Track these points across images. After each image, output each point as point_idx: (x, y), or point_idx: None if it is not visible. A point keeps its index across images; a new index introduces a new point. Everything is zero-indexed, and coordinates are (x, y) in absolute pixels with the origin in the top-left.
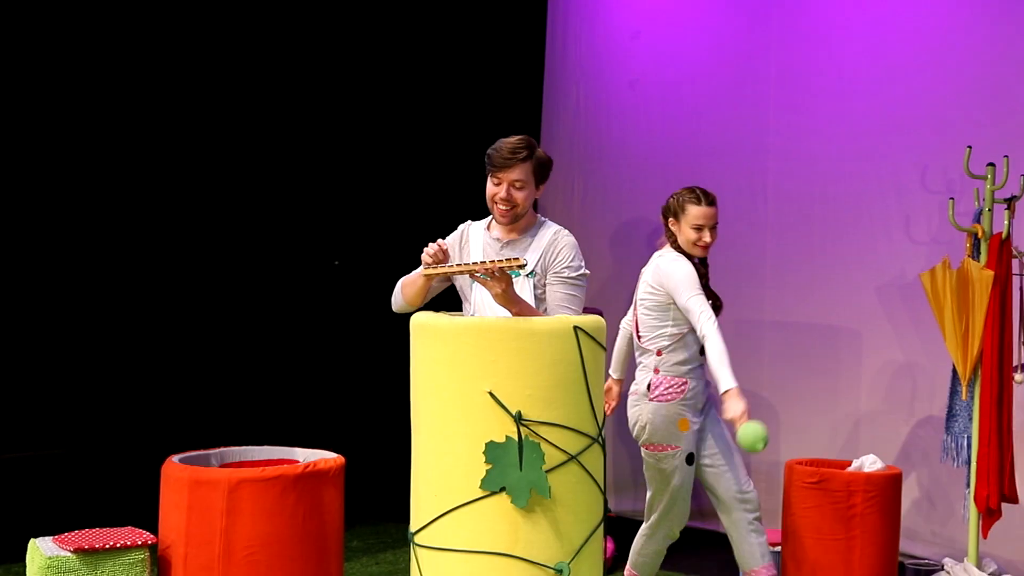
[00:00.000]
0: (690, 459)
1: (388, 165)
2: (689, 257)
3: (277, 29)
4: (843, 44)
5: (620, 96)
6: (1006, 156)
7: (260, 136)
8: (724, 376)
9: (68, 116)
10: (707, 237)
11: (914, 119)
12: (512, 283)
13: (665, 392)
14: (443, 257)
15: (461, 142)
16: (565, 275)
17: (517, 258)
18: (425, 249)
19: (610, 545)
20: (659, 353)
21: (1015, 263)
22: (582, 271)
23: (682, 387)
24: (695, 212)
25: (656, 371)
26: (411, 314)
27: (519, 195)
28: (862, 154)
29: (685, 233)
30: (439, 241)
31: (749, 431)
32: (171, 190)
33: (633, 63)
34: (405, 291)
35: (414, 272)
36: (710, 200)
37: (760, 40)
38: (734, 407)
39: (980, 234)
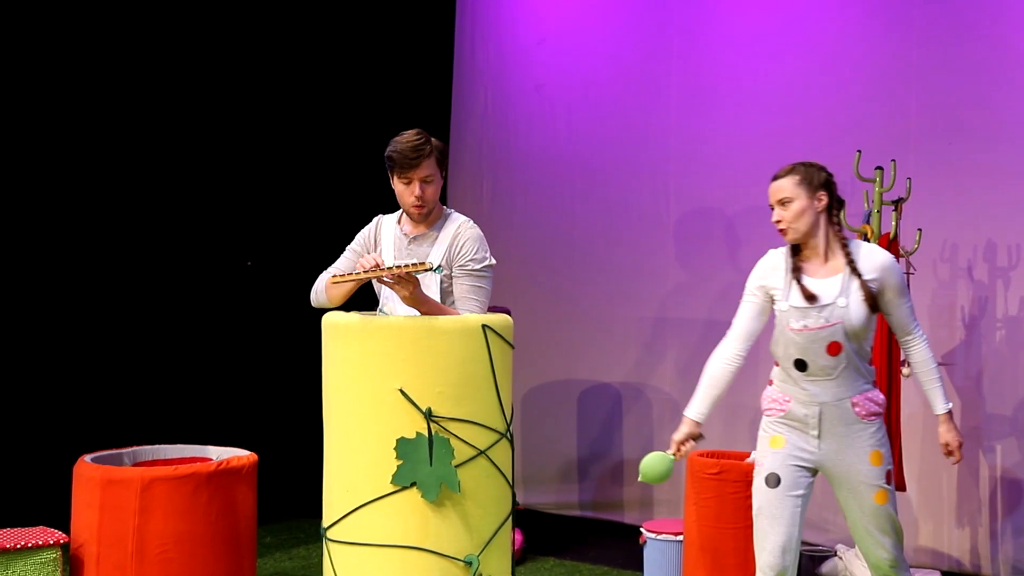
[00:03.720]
0: (772, 481)
1: (299, 168)
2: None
3: (191, 31)
4: (742, 53)
5: (526, 100)
6: (893, 160)
7: (174, 138)
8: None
9: None
10: (774, 215)
11: (808, 124)
12: (419, 284)
13: (768, 406)
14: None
15: (371, 145)
16: (470, 268)
17: (423, 263)
18: (362, 261)
19: (519, 537)
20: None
21: (902, 262)
22: (487, 262)
23: (785, 404)
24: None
25: (770, 383)
26: (323, 313)
27: (430, 189)
28: (760, 158)
29: None
30: (374, 256)
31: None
32: (85, 191)
33: (539, 68)
34: (330, 292)
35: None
36: (776, 175)
37: (661, 47)
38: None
39: (869, 234)
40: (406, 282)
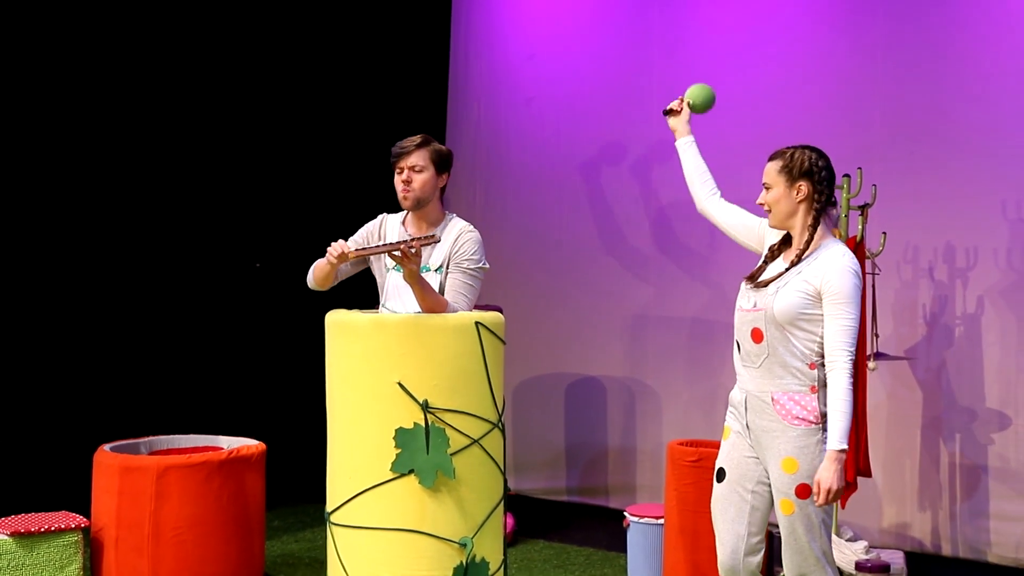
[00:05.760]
0: (719, 475)
1: (304, 177)
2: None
3: (205, 38)
4: (717, 68)
5: (517, 112)
6: (860, 168)
7: (194, 151)
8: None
9: None
10: (760, 197)
11: (779, 134)
12: (420, 264)
13: None
14: (344, 258)
15: (374, 155)
16: (464, 266)
17: (432, 235)
18: (332, 246)
19: (510, 521)
20: None
21: (868, 263)
22: (480, 265)
23: (734, 388)
24: None
25: None
26: (326, 311)
27: (418, 177)
28: (735, 166)
29: None
30: (340, 242)
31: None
32: (106, 194)
33: (529, 83)
34: (315, 273)
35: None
36: (771, 154)
37: (643, 63)
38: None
39: (837, 237)
40: (414, 257)
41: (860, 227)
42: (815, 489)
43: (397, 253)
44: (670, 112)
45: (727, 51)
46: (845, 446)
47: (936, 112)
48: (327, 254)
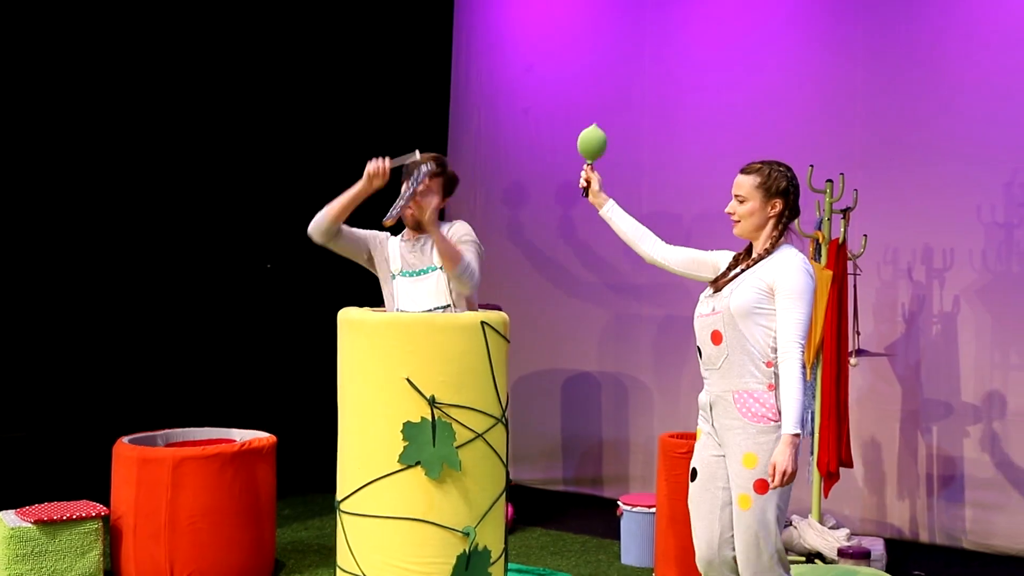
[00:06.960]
0: (692, 475)
1: (313, 184)
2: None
3: (221, 48)
4: (707, 79)
5: (514, 121)
6: (842, 174)
7: (208, 158)
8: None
9: None
10: (729, 206)
11: (765, 142)
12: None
13: None
14: (383, 177)
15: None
16: (464, 240)
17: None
18: (372, 162)
19: (509, 510)
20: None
21: (850, 264)
22: (477, 243)
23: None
24: None
25: None
26: (337, 311)
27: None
28: (723, 172)
29: None
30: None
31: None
32: (129, 194)
33: (526, 93)
34: (328, 211)
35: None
36: (744, 167)
37: (635, 74)
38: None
39: (821, 240)
40: (433, 195)
41: (842, 229)
42: (770, 471)
43: (425, 167)
44: (586, 192)
45: (718, 62)
46: (799, 430)
47: (915, 121)
48: (365, 173)
